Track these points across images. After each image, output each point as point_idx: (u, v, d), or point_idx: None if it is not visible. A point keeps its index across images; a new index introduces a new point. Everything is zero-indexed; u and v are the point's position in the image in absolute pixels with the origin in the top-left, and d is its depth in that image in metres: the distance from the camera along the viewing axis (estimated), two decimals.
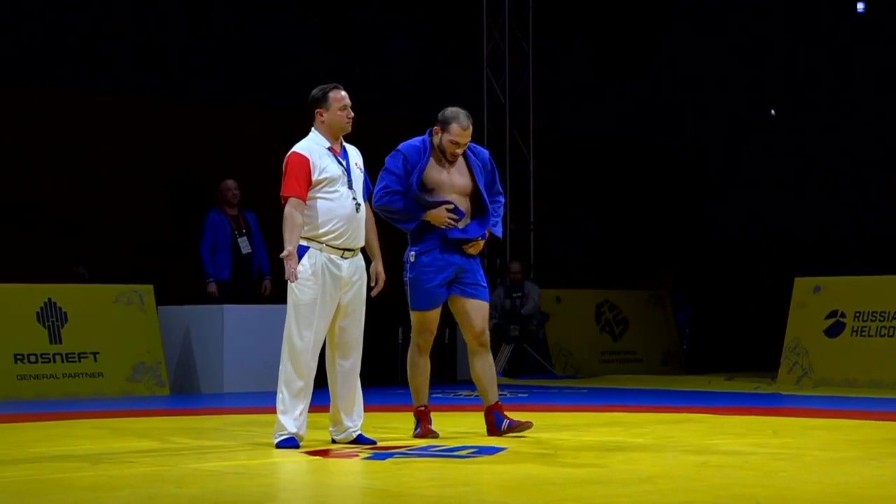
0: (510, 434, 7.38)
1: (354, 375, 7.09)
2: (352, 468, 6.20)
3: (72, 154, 14.51)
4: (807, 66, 17.72)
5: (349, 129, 7.06)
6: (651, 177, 18.59)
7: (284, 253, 6.78)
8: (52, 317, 11.77)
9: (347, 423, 7.08)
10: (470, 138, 7.44)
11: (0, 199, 14.06)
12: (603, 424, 8.59)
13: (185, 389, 12.40)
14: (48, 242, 14.16)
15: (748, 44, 18.11)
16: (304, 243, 6.88)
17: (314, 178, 6.89)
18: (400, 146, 7.49)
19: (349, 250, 6.97)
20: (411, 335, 7.57)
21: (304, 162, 6.89)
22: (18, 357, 11.55)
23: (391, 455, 6.50)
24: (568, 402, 10.91)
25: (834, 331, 12.32)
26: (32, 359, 11.61)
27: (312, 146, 6.97)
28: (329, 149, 6.99)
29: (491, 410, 7.49)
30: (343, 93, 7.05)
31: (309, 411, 6.94)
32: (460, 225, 7.40)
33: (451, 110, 7.43)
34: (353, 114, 7.05)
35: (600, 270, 17.53)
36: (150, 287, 12.35)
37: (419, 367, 7.53)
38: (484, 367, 7.50)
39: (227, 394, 12.06)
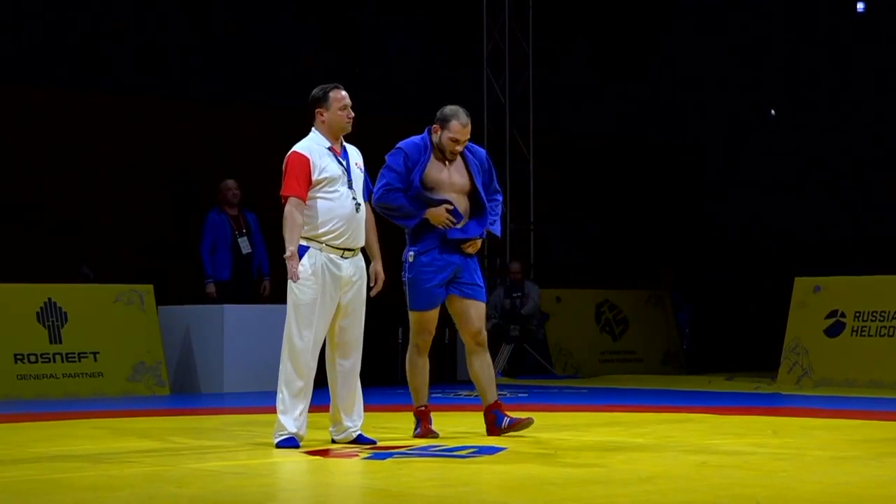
0: (510, 433, 7.38)
1: (354, 375, 7.09)
2: (352, 468, 6.20)
3: (72, 154, 14.52)
4: (807, 66, 17.73)
5: (349, 128, 7.06)
6: (651, 177, 18.59)
7: (287, 254, 6.78)
8: (52, 317, 11.77)
9: (347, 423, 7.08)
10: (469, 135, 7.45)
11: (0, 199, 14.07)
12: (603, 424, 8.59)
13: (185, 389, 12.40)
14: (48, 242, 14.16)
15: (748, 44, 18.11)
16: (303, 243, 6.88)
17: (314, 177, 6.89)
18: (400, 144, 7.49)
19: (349, 250, 6.97)
20: (410, 335, 7.58)
21: (304, 161, 6.89)
22: (18, 357, 11.55)
23: (391, 455, 6.50)
24: (568, 402, 10.91)
25: (834, 331, 12.32)
26: (32, 359, 11.61)
27: (312, 146, 6.97)
28: (329, 148, 6.99)
29: (490, 409, 7.49)
30: (343, 93, 7.05)
31: (309, 411, 6.94)
32: (459, 225, 7.40)
33: (449, 108, 7.44)
34: (353, 114, 7.06)
35: (600, 270, 17.53)
36: (150, 287, 12.35)
37: (418, 367, 7.53)
38: (482, 367, 7.51)
39: (227, 394, 12.06)
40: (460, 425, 8.12)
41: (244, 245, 12.58)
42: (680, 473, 5.79)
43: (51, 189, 14.34)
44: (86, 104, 14.69)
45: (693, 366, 16.12)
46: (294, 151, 6.95)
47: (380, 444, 7.00)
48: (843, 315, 12.29)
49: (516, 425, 7.41)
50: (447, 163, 7.45)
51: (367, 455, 6.52)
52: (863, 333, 12.14)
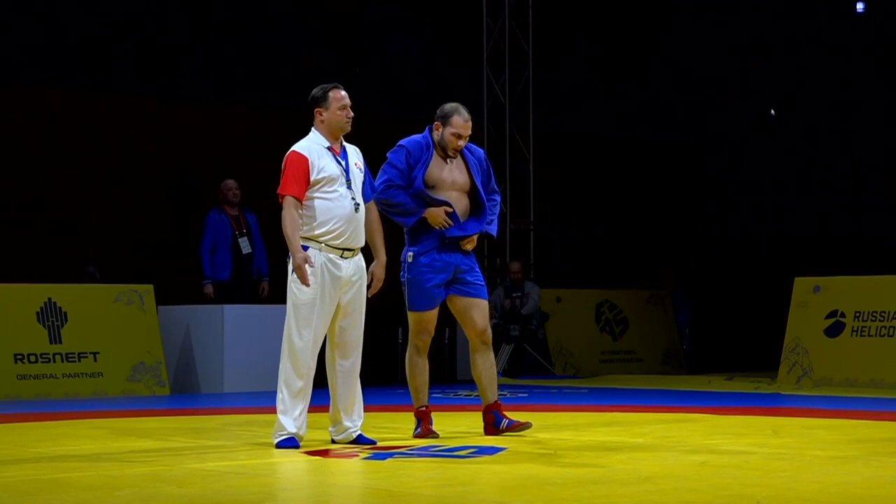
0: (508, 434, 7.38)
1: (354, 375, 7.08)
2: (352, 468, 6.20)
3: (72, 154, 14.52)
4: (807, 66, 17.73)
5: (349, 128, 7.05)
6: (651, 177, 18.59)
7: (297, 262, 6.74)
8: (52, 317, 11.77)
9: (347, 423, 7.07)
10: (471, 130, 7.46)
11: (0, 199, 14.07)
12: (603, 424, 8.59)
13: (185, 389, 12.40)
14: (48, 242, 14.17)
15: (748, 44, 18.12)
16: (303, 243, 6.87)
17: (312, 177, 6.88)
18: (402, 141, 7.50)
19: (349, 250, 6.96)
20: (409, 336, 7.57)
21: (302, 161, 6.88)
22: (18, 357, 11.55)
23: (391, 455, 6.50)
24: (568, 402, 10.90)
25: (834, 331, 12.31)
26: (32, 359, 11.61)
27: (312, 145, 6.97)
28: (328, 148, 6.98)
29: (490, 409, 7.50)
30: (343, 92, 7.04)
31: (309, 411, 6.94)
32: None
33: (449, 105, 7.46)
34: (352, 113, 7.05)
35: (600, 270, 17.54)
36: (150, 287, 12.35)
37: (418, 368, 7.53)
38: (485, 365, 7.51)
39: (227, 394, 12.06)
40: (460, 425, 8.12)
41: (244, 245, 12.58)
42: (680, 473, 5.79)
43: (51, 189, 14.34)
44: (86, 104, 14.70)
45: (693, 366, 16.12)
46: (293, 151, 6.95)
47: (380, 444, 6.99)
48: (843, 315, 12.29)
49: (514, 428, 7.42)
50: (448, 161, 7.46)
51: (367, 455, 6.52)
52: (863, 333, 12.14)
